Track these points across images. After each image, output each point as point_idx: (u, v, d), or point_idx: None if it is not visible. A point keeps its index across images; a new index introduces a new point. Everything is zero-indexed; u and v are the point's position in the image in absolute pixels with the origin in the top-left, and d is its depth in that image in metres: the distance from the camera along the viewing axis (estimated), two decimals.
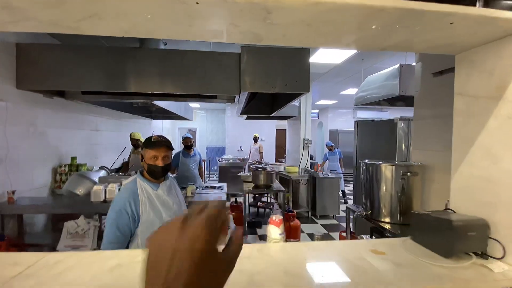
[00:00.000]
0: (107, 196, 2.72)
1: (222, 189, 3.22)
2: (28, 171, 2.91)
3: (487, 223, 0.93)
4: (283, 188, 3.18)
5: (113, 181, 2.92)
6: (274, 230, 1.08)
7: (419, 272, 0.84)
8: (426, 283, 0.78)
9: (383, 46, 1.00)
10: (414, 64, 3.27)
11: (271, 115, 4.96)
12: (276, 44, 1.01)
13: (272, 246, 1.02)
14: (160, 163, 1.38)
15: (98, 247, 2.62)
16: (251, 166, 3.35)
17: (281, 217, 1.12)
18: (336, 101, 8.94)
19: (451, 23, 0.78)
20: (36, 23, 0.81)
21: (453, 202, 1.12)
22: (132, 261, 0.87)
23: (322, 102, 9.01)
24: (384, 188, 2.04)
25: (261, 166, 3.42)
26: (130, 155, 4.38)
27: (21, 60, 2.66)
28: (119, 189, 2.67)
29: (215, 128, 10.78)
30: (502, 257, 0.90)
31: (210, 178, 8.88)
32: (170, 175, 1.60)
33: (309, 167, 5.65)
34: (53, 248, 2.65)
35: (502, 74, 0.93)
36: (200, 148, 10.58)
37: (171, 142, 1.50)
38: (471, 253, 0.92)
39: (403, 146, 2.98)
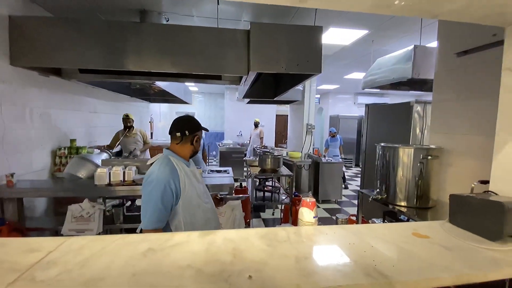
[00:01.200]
0: (111, 179, 2.63)
1: (228, 173, 3.15)
2: (26, 154, 2.79)
3: None
4: (290, 173, 3.13)
5: (117, 164, 2.82)
6: (307, 213, 1.02)
7: (473, 256, 0.79)
8: (484, 267, 0.73)
9: (437, 13, 0.90)
10: (428, 45, 3.16)
11: (274, 99, 4.84)
12: (323, 8, 0.90)
13: (308, 229, 0.95)
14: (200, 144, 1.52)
15: (104, 231, 2.56)
16: (257, 151, 3.27)
17: (314, 199, 1.05)
18: (338, 86, 8.80)
19: None
20: None
21: (495, 184, 1.06)
22: (165, 245, 0.79)
23: (324, 87, 8.86)
24: (401, 172, 1.99)
25: (267, 150, 3.35)
26: (118, 135, 4.21)
27: (15, 34, 2.47)
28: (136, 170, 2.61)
29: (213, 113, 10.59)
30: None
31: (209, 163, 8.82)
32: None
33: (312, 152, 5.60)
34: (56, 232, 2.58)
35: None
36: None
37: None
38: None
39: (418, 130, 2.92)
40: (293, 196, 3.17)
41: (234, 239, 0.85)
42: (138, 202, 3.21)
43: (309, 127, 5.41)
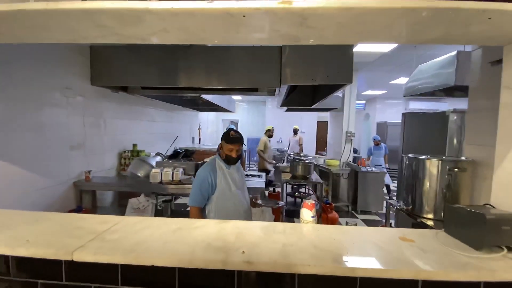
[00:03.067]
0: (163, 179, 3.10)
1: (262, 178, 3.40)
2: (99, 155, 3.46)
3: None
4: (321, 180, 3.23)
5: (167, 166, 3.30)
6: (306, 213, 1.20)
7: (444, 259, 0.88)
8: (449, 268, 0.83)
9: (421, 41, 1.02)
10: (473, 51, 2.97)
11: (312, 107, 4.94)
12: (314, 44, 1.10)
13: (304, 225, 1.14)
14: (234, 154, 1.78)
15: None
16: (290, 157, 3.45)
17: (314, 201, 1.23)
18: (385, 91, 8.40)
19: (489, 18, 0.79)
20: (119, 37, 1.03)
21: (495, 198, 1.10)
22: (190, 226, 1.07)
23: (369, 92, 8.54)
24: (428, 183, 1.97)
25: (299, 157, 3.50)
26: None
27: (94, 61, 3.14)
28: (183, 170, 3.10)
29: (255, 120, 11.02)
30: None
31: (250, 168, 9.20)
32: None
33: (352, 160, 5.51)
34: None
35: None
36: None
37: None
38: (503, 247, 0.92)
39: (455, 141, 2.76)
40: (323, 203, 3.25)
41: (241, 227, 1.09)
42: (180, 200, 3.66)
43: (349, 134, 5.34)
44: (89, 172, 3.09)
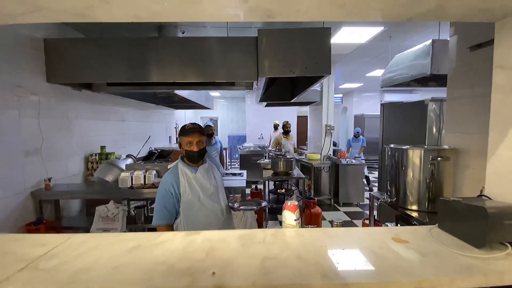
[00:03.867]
0: (133, 183, 2.85)
1: (242, 176, 3.24)
2: (63, 160, 3.12)
3: None
4: (303, 175, 3.13)
5: (138, 168, 3.05)
6: (289, 216, 1.06)
7: (446, 262, 0.77)
8: (453, 274, 0.72)
9: (412, 15, 0.90)
10: (448, 39, 2.99)
11: (291, 101, 4.84)
12: (289, 21, 0.94)
13: (287, 231, 1.00)
14: (195, 148, 1.51)
15: (127, 230, 2.79)
16: (270, 154, 3.32)
17: (296, 202, 1.09)
18: (361, 84, 8.52)
19: None
20: (47, 12, 0.82)
21: (489, 188, 1.02)
22: (151, 243, 0.89)
23: (346, 85, 8.62)
24: (411, 174, 1.92)
25: (280, 153, 3.37)
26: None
27: (49, 55, 2.79)
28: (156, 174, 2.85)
29: (235, 117, 10.82)
30: None
31: (232, 166, 9.01)
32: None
33: (332, 154, 5.49)
34: (87, 230, 2.86)
35: None
36: (222, 136, 10.70)
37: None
38: (507, 243, 0.83)
39: (434, 129, 2.76)
40: (306, 199, 3.16)
41: (214, 240, 0.92)
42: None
43: (328, 128, 5.31)
44: (49, 179, 2.77)
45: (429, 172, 1.85)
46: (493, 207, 0.84)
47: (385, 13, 0.90)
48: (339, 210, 4.75)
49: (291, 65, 2.74)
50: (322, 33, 2.70)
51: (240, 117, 10.73)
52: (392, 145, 2.07)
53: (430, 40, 2.77)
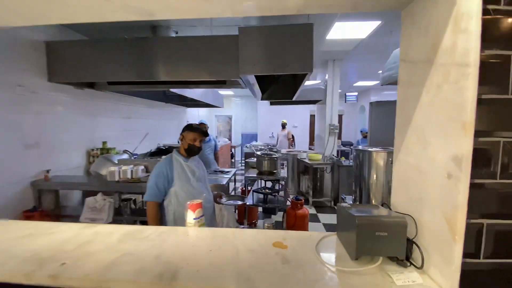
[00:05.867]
0: (121, 176, 3.01)
1: (228, 173, 3.27)
2: (64, 154, 3.38)
3: (406, 223, 0.75)
4: (285, 175, 3.07)
5: (128, 164, 3.21)
6: (189, 214, 1.06)
7: (300, 273, 0.73)
8: (296, 285, 0.68)
9: (289, 7, 0.85)
10: None
11: (292, 99, 4.75)
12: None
13: (180, 229, 1.00)
14: (197, 144, 1.83)
15: (113, 221, 2.96)
16: (256, 152, 3.30)
17: (200, 201, 1.09)
18: (377, 82, 8.09)
19: None
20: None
21: (393, 196, 0.93)
22: (45, 232, 0.95)
23: (361, 83, 8.25)
24: (374, 176, 1.80)
25: (266, 152, 3.34)
26: None
27: (51, 57, 3.04)
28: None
29: (249, 115, 10.85)
30: (421, 267, 0.73)
31: (242, 164, 9.08)
32: None
33: (336, 154, 5.32)
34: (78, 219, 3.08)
35: (437, 27, 0.71)
36: (235, 134, 10.82)
37: (208, 128, 1.79)
38: (386, 257, 0.76)
39: None
40: (291, 199, 3.10)
41: (101, 232, 0.96)
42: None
43: (332, 127, 5.14)
44: (48, 171, 3.02)
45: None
46: (368, 217, 0.77)
47: (258, 6, 0.86)
48: None
49: (272, 63, 2.71)
50: (303, 29, 2.63)
51: (253, 115, 10.75)
52: (360, 147, 1.96)
53: None
